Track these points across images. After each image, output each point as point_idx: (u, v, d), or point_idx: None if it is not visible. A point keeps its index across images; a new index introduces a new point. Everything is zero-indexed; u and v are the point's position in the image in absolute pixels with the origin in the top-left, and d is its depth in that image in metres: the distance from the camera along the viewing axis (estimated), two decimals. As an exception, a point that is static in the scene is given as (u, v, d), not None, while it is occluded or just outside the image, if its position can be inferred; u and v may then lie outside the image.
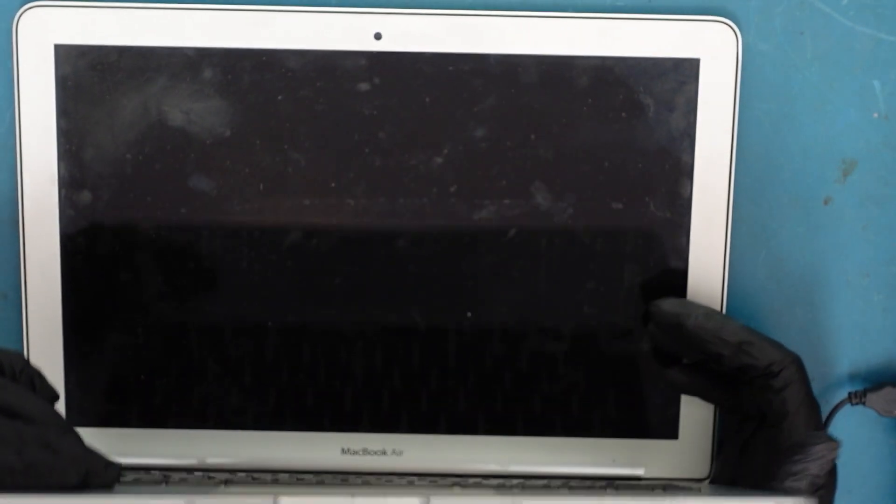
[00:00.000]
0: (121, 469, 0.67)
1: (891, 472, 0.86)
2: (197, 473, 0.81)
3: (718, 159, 0.79)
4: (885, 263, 0.83)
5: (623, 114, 0.79)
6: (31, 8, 0.78)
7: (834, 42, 0.81)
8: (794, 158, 0.82)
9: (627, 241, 0.80)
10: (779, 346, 0.76)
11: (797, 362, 0.75)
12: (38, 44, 0.78)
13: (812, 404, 0.75)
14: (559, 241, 0.80)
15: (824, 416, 0.82)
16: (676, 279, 0.81)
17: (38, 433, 0.64)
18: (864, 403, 0.83)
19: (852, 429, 0.85)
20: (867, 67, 0.81)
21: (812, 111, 0.82)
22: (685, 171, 0.80)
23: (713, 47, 0.78)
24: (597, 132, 0.79)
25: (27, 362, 0.68)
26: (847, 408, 0.83)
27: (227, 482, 0.79)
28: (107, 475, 0.66)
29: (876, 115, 0.82)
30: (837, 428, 0.83)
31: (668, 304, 0.78)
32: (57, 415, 0.66)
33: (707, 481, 0.82)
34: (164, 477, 0.79)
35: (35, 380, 0.69)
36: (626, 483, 0.81)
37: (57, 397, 0.69)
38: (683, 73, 0.79)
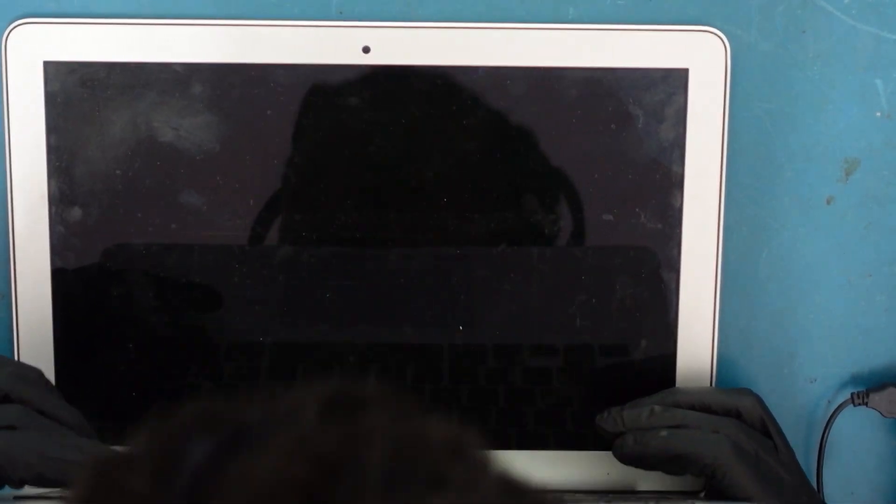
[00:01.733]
0: None
1: (893, 473, 0.85)
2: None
3: (709, 169, 0.79)
4: (887, 263, 0.83)
5: (613, 125, 0.79)
6: (20, 25, 0.78)
7: (836, 41, 0.81)
8: (795, 158, 0.82)
9: (619, 253, 0.80)
10: (706, 443, 0.75)
11: (731, 451, 0.74)
12: (27, 60, 0.78)
13: (764, 479, 0.74)
14: (550, 253, 0.80)
15: (827, 417, 0.83)
16: (668, 290, 0.80)
17: (68, 434, 0.69)
18: (866, 404, 0.83)
19: (855, 430, 0.85)
20: (869, 66, 0.81)
21: (814, 110, 0.81)
22: (676, 182, 0.79)
23: (702, 57, 0.78)
24: (586, 144, 0.79)
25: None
26: (850, 408, 0.83)
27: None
28: None
29: (878, 114, 0.82)
30: (840, 429, 0.83)
31: (607, 423, 0.78)
32: (84, 421, 0.72)
33: (702, 494, 0.82)
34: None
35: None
36: (621, 496, 0.81)
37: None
38: (672, 83, 0.79)
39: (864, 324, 0.84)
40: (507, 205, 0.80)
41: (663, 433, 0.75)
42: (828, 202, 0.83)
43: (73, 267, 0.80)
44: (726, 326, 0.82)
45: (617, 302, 0.80)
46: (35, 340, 0.80)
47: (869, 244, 0.83)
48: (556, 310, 0.81)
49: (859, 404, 0.83)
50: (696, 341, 0.81)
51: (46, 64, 0.78)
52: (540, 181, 0.79)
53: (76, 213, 0.80)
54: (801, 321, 0.84)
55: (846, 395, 0.83)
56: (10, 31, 0.78)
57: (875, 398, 0.83)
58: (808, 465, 0.84)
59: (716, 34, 0.78)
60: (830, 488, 0.84)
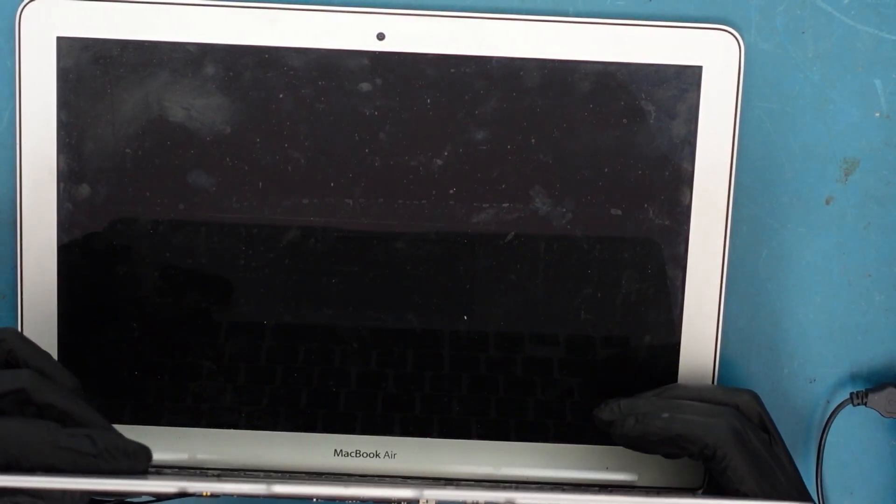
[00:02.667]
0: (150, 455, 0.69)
1: (892, 473, 0.86)
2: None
3: (719, 168, 0.79)
4: (886, 263, 0.83)
5: (624, 120, 0.79)
6: (33, 0, 0.78)
7: (835, 41, 0.81)
8: (795, 158, 0.82)
9: (626, 247, 0.80)
10: (707, 426, 0.75)
11: (731, 436, 0.75)
12: (40, 36, 0.78)
13: (760, 468, 0.75)
14: (557, 246, 0.80)
15: (826, 416, 0.83)
16: (673, 287, 0.80)
17: (79, 424, 0.68)
18: (865, 404, 0.83)
19: (854, 429, 0.85)
20: (868, 66, 0.81)
21: (813, 110, 0.82)
22: (685, 179, 0.80)
23: (716, 55, 0.78)
24: (597, 138, 0.79)
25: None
26: (849, 408, 0.83)
27: (219, 475, 0.79)
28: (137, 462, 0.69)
29: (877, 114, 0.82)
30: (839, 429, 0.84)
31: (604, 413, 0.78)
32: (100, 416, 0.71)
33: (700, 491, 0.82)
34: (156, 471, 0.79)
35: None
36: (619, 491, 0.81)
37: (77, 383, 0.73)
38: (685, 80, 0.79)
39: (864, 324, 0.84)
40: (516, 195, 0.80)
41: (665, 415, 0.76)
42: (827, 202, 0.83)
43: (80, 243, 0.80)
44: (726, 325, 0.82)
45: (622, 296, 0.81)
46: (39, 315, 0.80)
47: (868, 244, 0.83)
48: (560, 302, 0.81)
49: (858, 404, 0.83)
50: (700, 339, 0.81)
51: (60, 39, 0.78)
52: (549, 173, 0.80)
53: (84, 189, 0.80)
54: (800, 321, 0.84)
55: (845, 394, 0.84)
56: (25, 6, 0.78)
57: (874, 398, 0.83)
58: (807, 464, 0.84)
59: (731, 33, 0.78)
60: (829, 488, 0.85)
